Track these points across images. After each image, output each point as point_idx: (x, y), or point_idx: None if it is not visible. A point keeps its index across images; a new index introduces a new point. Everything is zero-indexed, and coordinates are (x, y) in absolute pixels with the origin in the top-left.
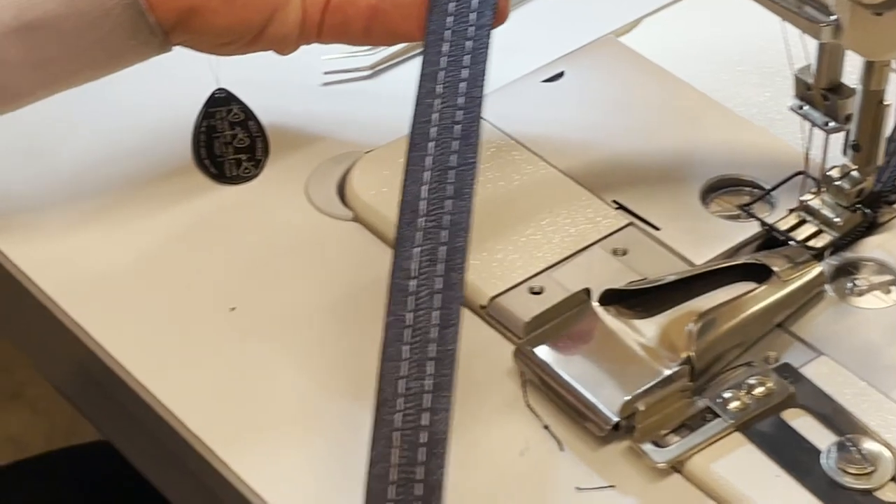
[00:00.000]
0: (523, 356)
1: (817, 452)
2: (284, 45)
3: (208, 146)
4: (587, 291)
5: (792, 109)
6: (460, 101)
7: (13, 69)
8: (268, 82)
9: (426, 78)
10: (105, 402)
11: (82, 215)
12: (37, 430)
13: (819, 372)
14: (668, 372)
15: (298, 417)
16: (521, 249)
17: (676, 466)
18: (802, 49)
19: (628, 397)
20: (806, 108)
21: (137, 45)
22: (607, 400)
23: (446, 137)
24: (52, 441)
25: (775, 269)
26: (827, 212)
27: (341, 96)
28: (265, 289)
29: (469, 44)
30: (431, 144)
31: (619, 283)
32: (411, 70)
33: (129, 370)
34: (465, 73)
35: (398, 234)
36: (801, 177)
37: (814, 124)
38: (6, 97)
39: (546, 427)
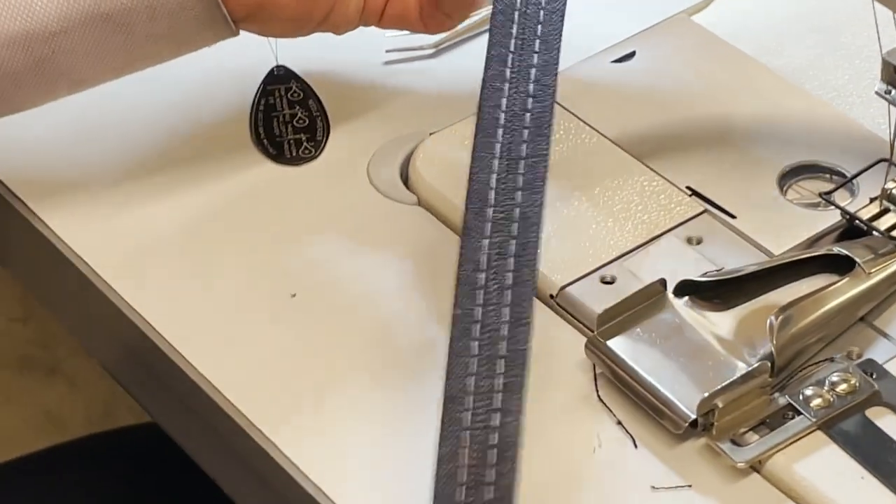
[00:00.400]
0: (595, 349)
1: None
2: (344, 30)
3: (266, 125)
4: (663, 282)
5: (878, 94)
6: (531, 88)
7: (83, 57)
8: (328, 60)
9: (494, 61)
10: (152, 382)
11: (134, 191)
12: (75, 407)
13: None
14: (747, 368)
15: (356, 406)
16: (592, 237)
17: (756, 466)
18: (894, 30)
19: (706, 394)
20: (894, 93)
21: (207, 34)
22: (684, 396)
23: (516, 125)
24: (90, 419)
25: (858, 260)
26: None
27: (404, 75)
28: (325, 275)
29: (540, 28)
30: (500, 131)
31: (694, 274)
32: (476, 48)
33: (181, 351)
34: (535, 59)
35: (466, 223)
36: (884, 164)
37: None
38: (71, 83)
39: (619, 423)
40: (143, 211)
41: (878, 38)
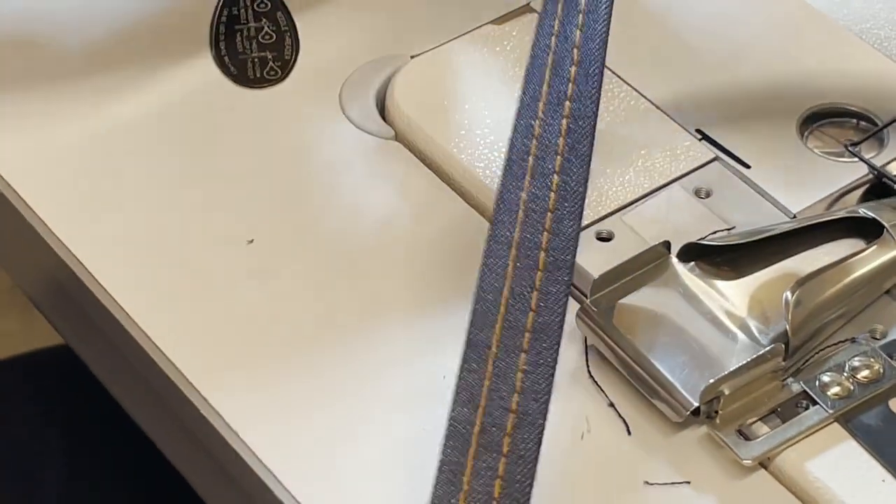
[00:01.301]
0: (588, 319)
1: None
2: None
3: (229, 39)
4: (666, 245)
5: None
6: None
7: None
8: None
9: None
10: (84, 327)
11: (72, 109)
12: None
13: None
14: (759, 349)
15: (310, 365)
16: (590, 185)
17: (763, 462)
18: None
19: (712, 380)
20: None
21: None
22: (687, 380)
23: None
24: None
25: (886, 224)
26: None
27: None
28: (286, 217)
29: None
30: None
31: (701, 231)
32: None
33: (115, 297)
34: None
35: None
36: None
37: None
38: None
39: (611, 405)
40: (79, 125)
41: None
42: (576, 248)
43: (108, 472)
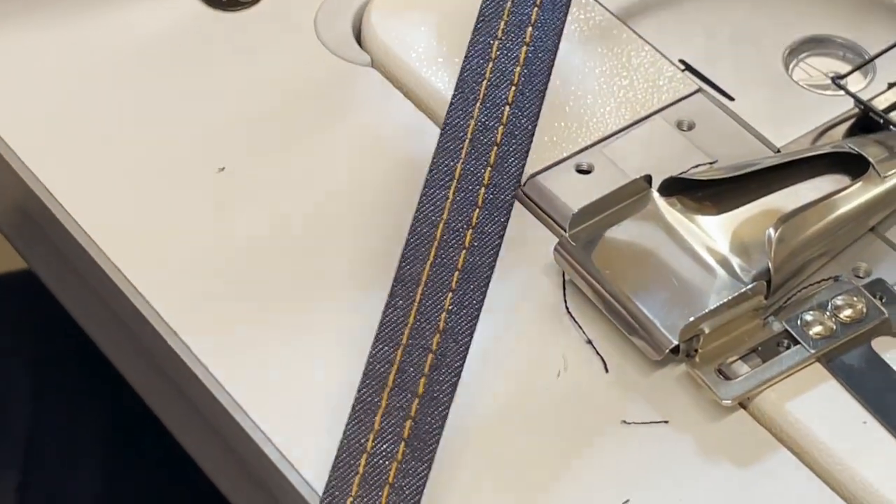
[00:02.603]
0: (566, 253)
1: None
2: None
3: None
4: (647, 178)
5: None
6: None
7: None
8: None
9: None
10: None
11: (42, 30)
12: None
13: None
14: (740, 286)
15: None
16: (568, 116)
17: (743, 402)
18: None
19: (692, 318)
20: None
21: None
22: (666, 317)
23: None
24: None
25: (872, 160)
26: None
27: None
28: (259, 146)
29: None
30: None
31: (683, 166)
32: None
33: (80, 222)
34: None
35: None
36: None
37: None
38: None
39: (589, 342)
40: (48, 47)
41: None
42: (517, 187)
43: (74, 398)
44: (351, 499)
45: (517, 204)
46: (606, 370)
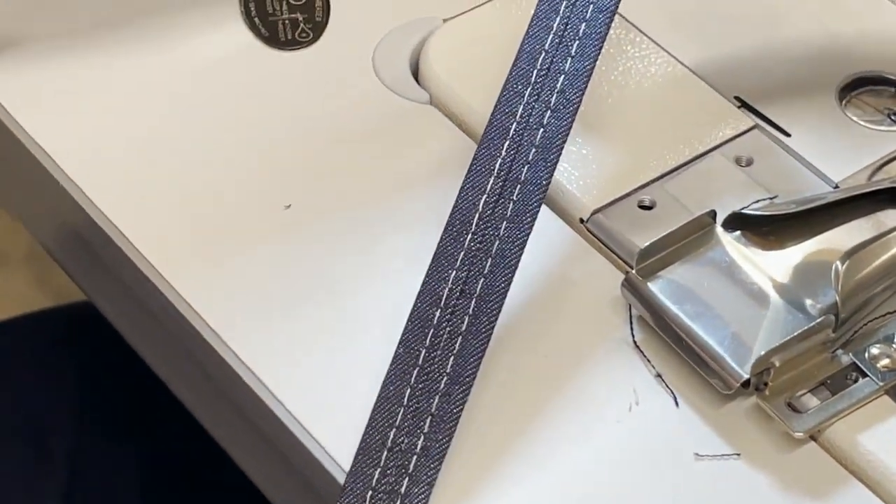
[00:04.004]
0: (633, 288)
1: None
2: None
3: (259, 2)
4: (712, 214)
5: None
6: (554, 99)
7: None
8: None
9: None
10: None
11: (104, 66)
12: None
13: None
14: (809, 320)
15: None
16: (630, 153)
17: (814, 435)
18: None
19: (763, 352)
20: None
21: None
22: (736, 351)
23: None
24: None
25: None
26: None
27: None
28: (319, 183)
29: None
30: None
31: (743, 201)
32: None
33: (150, 260)
34: (568, 65)
35: (438, 246)
36: None
37: None
38: None
39: (659, 376)
40: (109, 83)
41: None
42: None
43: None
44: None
45: (581, 239)
46: (677, 404)
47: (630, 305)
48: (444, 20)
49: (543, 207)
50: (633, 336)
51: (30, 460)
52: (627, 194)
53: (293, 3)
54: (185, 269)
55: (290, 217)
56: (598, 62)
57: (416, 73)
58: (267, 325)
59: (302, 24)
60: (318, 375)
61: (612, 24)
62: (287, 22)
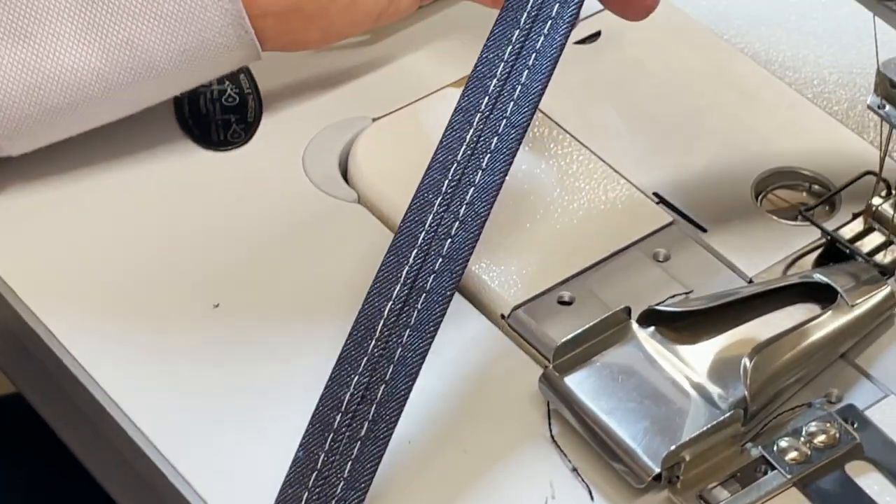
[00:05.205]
0: (550, 384)
1: None
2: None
3: (192, 101)
4: (627, 310)
5: (870, 108)
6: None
7: (117, 106)
8: None
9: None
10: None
11: (40, 176)
12: None
13: (888, 416)
14: (719, 414)
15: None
16: (550, 249)
17: None
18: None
19: (673, 447)
20: (889, 108)
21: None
22: (648, 445)
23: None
24: None
25: (840, 290)
26: None
27: (347, 52)
28: (250, 282)
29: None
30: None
31: (660, 296)
32: (421, 29)
33: (91, 373)
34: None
35: (342, 352)
36: (871, 177)
37: (894, 126)
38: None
39: (574, 470)
40: (48, 208)
41: (876, 46)
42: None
43: None
44: None
45: (502, 334)
46: (592, 497)
47: (548, 400)
48: (374, 119)
49: (466, 303)
50: (550, 430)
51: None
52: (548, 290)
53: (226, 104)
54: (111, 366)
55: (219, 316)
56: (519, 159)
57: (345, 173)
58: (189, 421)
59: (234, 125)
60: (236, 476)
61: (535, 122)
62: (219, 123)
